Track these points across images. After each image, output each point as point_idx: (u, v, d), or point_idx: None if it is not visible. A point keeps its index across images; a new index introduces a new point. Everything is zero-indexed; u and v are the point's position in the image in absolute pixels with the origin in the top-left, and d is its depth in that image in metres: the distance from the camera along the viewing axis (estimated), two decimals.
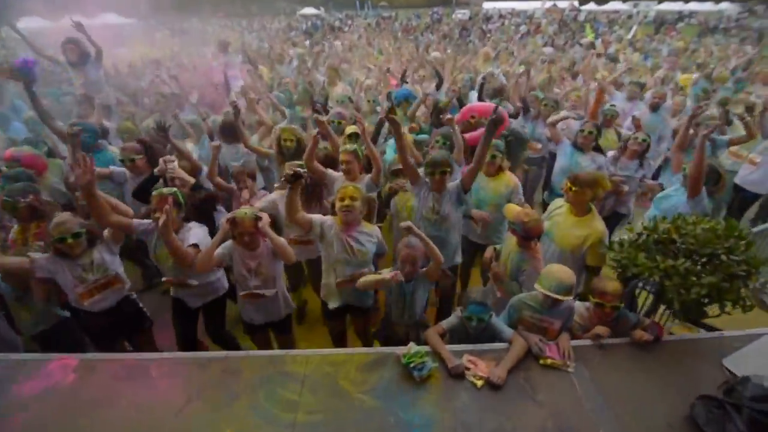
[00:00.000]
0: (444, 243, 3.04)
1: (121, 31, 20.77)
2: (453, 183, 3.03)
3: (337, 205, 2.71)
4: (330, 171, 3.42)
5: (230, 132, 4.28)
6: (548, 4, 38.57)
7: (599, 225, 2.90)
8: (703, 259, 2.48)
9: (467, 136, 3.89)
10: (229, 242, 2.73)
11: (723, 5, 31.77)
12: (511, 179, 3.34)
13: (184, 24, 25.84)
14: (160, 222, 2.42)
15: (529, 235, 2.66)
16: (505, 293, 2.80)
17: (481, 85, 5.60)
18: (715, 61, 7.87)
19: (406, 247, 2.56)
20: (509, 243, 2.93)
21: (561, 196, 3.71)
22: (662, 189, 3.62)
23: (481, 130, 3.65)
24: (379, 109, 5.13)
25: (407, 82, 5.86)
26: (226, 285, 3.29)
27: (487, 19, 30.55)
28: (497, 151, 3.30)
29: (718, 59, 8.01)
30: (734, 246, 2.45)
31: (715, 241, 2.46)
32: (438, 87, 5.99)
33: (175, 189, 2.87)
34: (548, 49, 10.17)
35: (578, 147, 3.94)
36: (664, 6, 34.14)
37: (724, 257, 2.42)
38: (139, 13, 36.17)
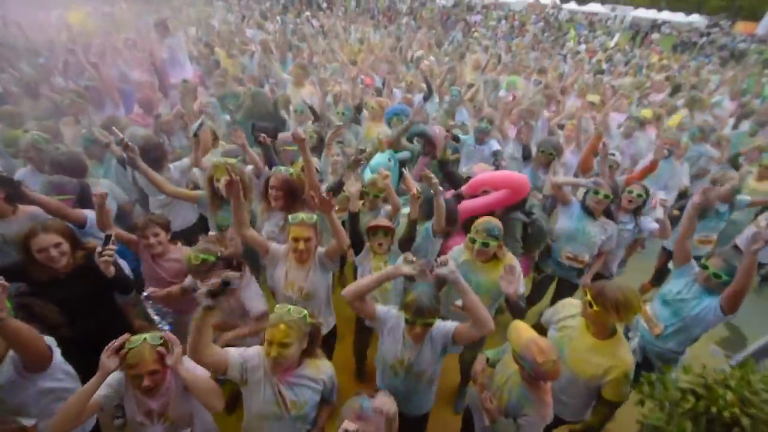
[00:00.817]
0: (411, 394, 2.27)
1: None
2: (443, 330, 2.11)
3: (265, 347, 1.84)
4: (273, 246, 2.53)
5: (153, 156, 3.19)
6: (531, 0, 38.62)
7: (626, 355, 2.16)
8: None
9: (466, 205, 3.14)
10: (116, 374, 1.81)
11: (692, 17, 32.93)
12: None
13: None
14: None
15: (540, 377, 1.91)
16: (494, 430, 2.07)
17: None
18: (703, 83, 7.70)
19: (357, 419, 1.62)
20: (509, 367, 2.13)
21: (560, 265, 3.36)
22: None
23: (484, 199, 3.14)
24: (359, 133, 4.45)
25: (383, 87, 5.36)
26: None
27: (470, 8, 29.94)
28: (491, 237, 2.47)
29: (705, 82, 7.90)
30: None
31: None
32: (426, 98, 5.36)
33: None
34: (534, 54, 9.96)
35: (587, 210, 3.21)
36: (638, 12, 35.05)
37: None
38: None
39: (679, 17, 32.99)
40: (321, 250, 2.49)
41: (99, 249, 2.17)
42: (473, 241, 2.50)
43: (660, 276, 4.14)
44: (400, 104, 4.48)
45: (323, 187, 3.07)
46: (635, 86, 7.15)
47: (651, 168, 3.81)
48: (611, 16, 33.68)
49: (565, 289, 3.48)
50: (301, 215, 2.40)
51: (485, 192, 3.17)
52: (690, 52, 17.69)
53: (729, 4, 35.07)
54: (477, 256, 2.54)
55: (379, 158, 3.55)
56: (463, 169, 3.98)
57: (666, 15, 33.32)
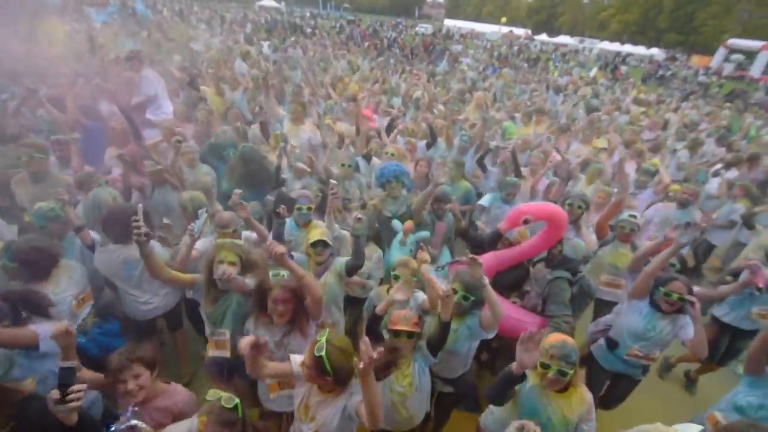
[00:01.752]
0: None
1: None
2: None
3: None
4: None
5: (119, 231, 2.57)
6: (505, 30, 40.51)
7: None
8: None
9: (503, 255, 2.94)
10: None
11: (653, 50, 35.28)
12: (585, 397, 2.13)
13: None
14: None
15: None
16: None
17: (486, 151, 4.79)
18: (693, 124, 7.77)
19: None
20: None
21: (625, 362, 2.86)
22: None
23: (521, 248, 2.90)
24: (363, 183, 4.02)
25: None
26: None
27: (449, 37, 30.96)
28: (568, 365, 1.99)
29: (695, 124, 8.01)
30: None
31: None
32: (429, 146, 4.96)
33: None
34: (519, 87, 10.12)
35: (657, 307, 2.77)
36: (604, 45, 37.36)
37: None
38: None
39: (640, 50, 35.30)
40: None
41: (56, 396, 1.43)
42: (546, 366, 2.03)
43: (716, 351, 3.63)
44: (395, 164, 3.72)
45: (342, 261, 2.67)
46: (630, 122, 7.24)
47: (611, 213, 3.49)
48: (579, 48, 35.63)
49: (624, 383, 3.05)
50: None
51: (525, 221, 2.88)
52: (659, 84, 18.72)
53: (684, 39, 37.90)
54: (549, 385, 2.09)
55: (399, 249, 3.21)
56: (487, 231, 3.54)
57: (629, 48, 35.62)
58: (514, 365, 1.95)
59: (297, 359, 1.95)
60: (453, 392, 2.63)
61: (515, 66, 18.14)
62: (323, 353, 1.73)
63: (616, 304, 3.19)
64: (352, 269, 2.60)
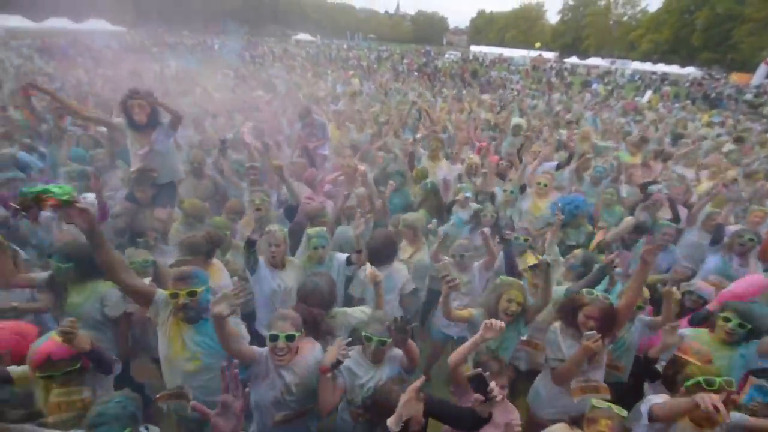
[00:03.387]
0: None
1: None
2: None
3: None
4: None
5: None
6: (533, 54, 41.08)
7: None
8: None
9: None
10: None
11: (688, 69, 34.84)
12: None
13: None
14: None
15: None
16: None
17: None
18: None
19: None
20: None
21: None
22: None
23: None
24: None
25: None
26: None
27: (481, 64, 31.70)
28: None
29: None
30: None
31: None
32: (558, 167, 4.99)
33: None
34: (588, 113, 10.23)
35: None
36: (635, 65, 37.25)
37: None
38: (126, 21, 34.91)
39: (675, 69, 34.92)
40: None
41: None
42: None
43: None
44: (579, 197, 3.82)
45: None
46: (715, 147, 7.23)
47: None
48: (612, 69, 35.61)
49: None
50: None
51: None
52: (710, 104, 18.46)
53: (721, 57, 37.41)
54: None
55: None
56: None
57: (662, 67, 35.34)
58: None
59: None
60: None
61: (559, 90, 18.32)
62: None
63: None
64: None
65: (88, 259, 2.35)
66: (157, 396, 1.99)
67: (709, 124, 10.92)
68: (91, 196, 3.27)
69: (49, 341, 1.76)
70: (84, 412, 1.78)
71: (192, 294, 1.94)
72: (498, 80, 19.26)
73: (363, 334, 2.08)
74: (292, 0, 66.30)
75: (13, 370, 1.88)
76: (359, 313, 2.45)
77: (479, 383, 1.62)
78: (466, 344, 2.05)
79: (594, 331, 2.06)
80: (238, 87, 9.93)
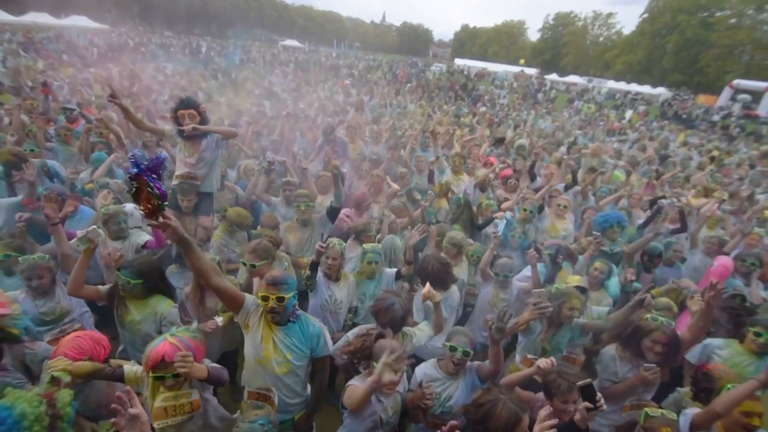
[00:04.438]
0: None
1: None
2: None
3: None
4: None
5: None
6: (516, 69, 42.48)
7: None
8: None
9: None
10: None
11: (659, 89, 36.82)
12: None
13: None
14: None
15: None
16: None
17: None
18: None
19: None
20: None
21: None
22: None
23: None
24: None
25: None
26: None
27: (467, 77, 32.55)
28: None
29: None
30: None
31: None
32: (566, 188, 5.10)
33: None
34: (578, 132, 10.76)
35: None
36: (610, 84, 39.12)
37: None
38: (107, 19, 34.00)
39: (647, 89, 36.81)
40: None
41: None
42: None
43: None
44: (617, 212, 4.07)
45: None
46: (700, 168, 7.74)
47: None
48: (589, 86, 37.25)
49: None
50: None
51: None
52: (680, 123, 19.64)
53: (689, 79, 39.76)
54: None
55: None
56: None
57: (635, 87, 37.22)
58: None
59: None
60: None
61: (544, 107, 19.06)
62: None
63: None
64: None
65: (156, 277, 2.45)
66: (250, 391, 2.06)
67: (685, 143, 11.67)
68: (130, 206, 3.29)
69: (164, 343, 1.81)
70: (192, 415, 1.89)
71: (280, 300, 2.04)
72: (485, 94, 19.85)
73: (447, 344, 2.20)
74: (280, 5, 66.15)
75: (128, 369, 1.93)
76: (419, 331, 2.54)
77: (588, 392, 1.76)
78: (520, 374, 2.23)
79: (654, 364, 2.27)
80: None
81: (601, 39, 52.68)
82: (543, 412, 1.60)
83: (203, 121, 3.59)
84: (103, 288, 2.50)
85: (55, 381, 1.77)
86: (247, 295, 2.17)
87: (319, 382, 2.35)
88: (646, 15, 44.89)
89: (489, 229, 4.07)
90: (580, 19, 54.96)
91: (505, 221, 3.43)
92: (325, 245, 2.71)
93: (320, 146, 5.58)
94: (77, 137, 5.16)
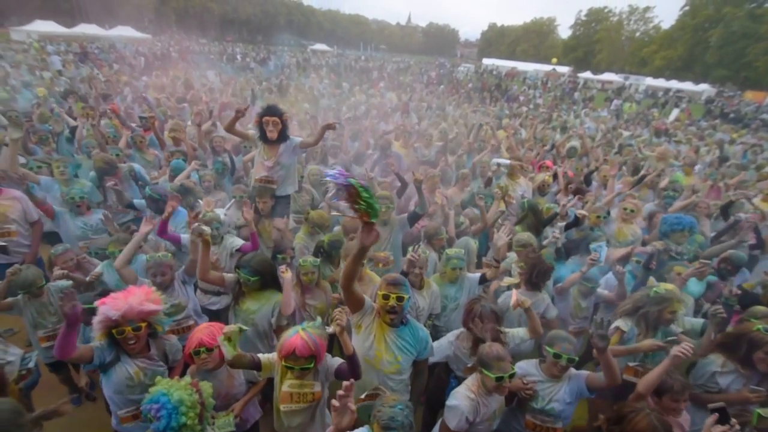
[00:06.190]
0: None
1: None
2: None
3: None
4: None
5: None
6: (547, 68, 41.50)
7: None
8: None
9: None
10: None
11: (702, 86, 35.00)
12: None
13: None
14: None
15: None
16: None
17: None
18: None
19: None
20: None
21: None
22: None
23: None
24: None
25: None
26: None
27: (494, 75, 32.08)
28: None
29: None
30: None
31: None
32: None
33: None
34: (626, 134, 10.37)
35: None
36: (648, 81, 37.51)
37: None
38: (149, 28, 35.73)
39: (688, 86, 35.09)
40: None
41: None
42: None
43: None
44: (690, 218, 3.93)
45: None
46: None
47: None
48: (626, 84, 35.88)
49: None
50: None
51: None
52: (728, 122, 18.62)
53: (735, 75, 37.60)
54: None
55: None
56: None
57: (675, 84, 35.55)
58: None
59: None
60: None
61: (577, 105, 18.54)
62: None
63: None
64: None
65: (269, 274, 2.68)
66: (361, 397, 2.16)
67: (736, 143, 11.04)
68: (183, 212, 3.60)
69: (297, 336, 1.94)
70: (313, 404, 2.07)
71: (400, 299, 2.15)
72: (520, 94, 19.52)
73: (551, 351, 2.23)
74: (308, 10, 67.42)
75: (264, 358, 2.10)
76: (518, 335, 2.57)
77: (723, 416, 1.80)
78: (654, 373, 2.21)
79: (762, 388, 2.26)
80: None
81: (637, 34, 50.67)
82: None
83: (284, 128, 3.78)
84: (228, 276, 2.77)
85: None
86: (366, 297, 2.30)
87: (420, 383, 2.45)
88: (687, 8, 42.81)
89: (552, 236, 4.00)
90: (615, 14, 53.11)
91: (603, 248, 3.32)
92: (417, 256, 2.78)
93: (376, 160, 5.69)
94: (151, 145, 5.49)
